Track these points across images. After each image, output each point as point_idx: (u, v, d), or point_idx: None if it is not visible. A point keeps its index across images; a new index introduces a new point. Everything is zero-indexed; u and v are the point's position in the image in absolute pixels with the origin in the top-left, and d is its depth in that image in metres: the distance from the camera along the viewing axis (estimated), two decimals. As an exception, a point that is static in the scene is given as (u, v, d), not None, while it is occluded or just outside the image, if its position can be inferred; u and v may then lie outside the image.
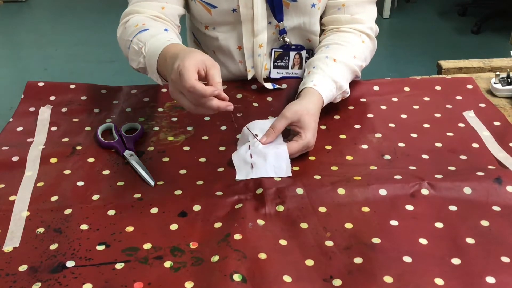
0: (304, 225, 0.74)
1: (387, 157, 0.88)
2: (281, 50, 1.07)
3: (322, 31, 1.09)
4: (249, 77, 1.07)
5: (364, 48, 1.03)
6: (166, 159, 0.89)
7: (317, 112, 0.90)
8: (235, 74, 1.10)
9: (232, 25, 1.03)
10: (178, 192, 0.81)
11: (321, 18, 1.08)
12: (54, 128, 0.97)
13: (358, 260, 0.68)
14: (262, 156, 0.84)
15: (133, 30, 0.91)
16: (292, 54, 1.08)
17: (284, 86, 1.08)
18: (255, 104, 1.03)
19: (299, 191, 0.79)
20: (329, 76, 0.94)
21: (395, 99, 1.05)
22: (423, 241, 0.71)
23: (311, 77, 0.94)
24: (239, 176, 0.83)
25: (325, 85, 0.92)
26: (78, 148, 0.91)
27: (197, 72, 0.73)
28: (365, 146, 0.91)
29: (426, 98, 1.05)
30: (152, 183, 0.83)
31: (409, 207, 0.77)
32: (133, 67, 0.93)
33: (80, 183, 0.83)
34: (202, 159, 0.89)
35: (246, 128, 0.88)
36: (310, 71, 0.96)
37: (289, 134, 0.90)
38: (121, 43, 0.97)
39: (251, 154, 0.84)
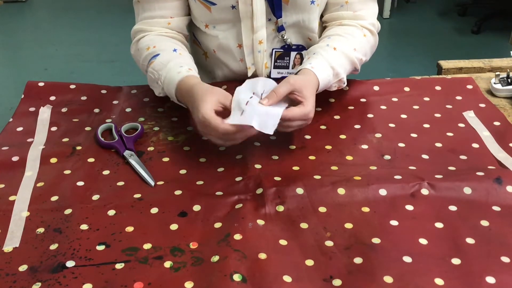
0: (304, 225, 0.74)
1: (387, 157, 0.88)
2: (281, 50, 1.08)
3: (323, 28, 1.09)
4: (249, 74, 1.08)
5: (365, 43, 1.04)
6: (166, 159, 0.89)
7: (314, 89, 0.90)
8: (236, 73, 1.10)
9: (232, 23, 1.03)
10: (178, 192, 0.81)
11: (321, 16, 1.08)
12: (54, 128, 0.97)
13: (358, 260, 0.68)
14: (255, 108, 0.82)
15: (146, 54, 0.99)
16: (293, 54, 1.08)
17: (284, 86, 1.08)
18: (255, 104, 1.03)
19: (299, 191, 0.79)
20: (327, 61, 0.94)
21: (395, 99, 1.05)
22: (423, 241, 0.71)
23: (310, 61, 0.94)
24: (229, 120, 0.81)
25: (322, 68, 0.93)
26: (78, 148, 0.91)
27: (217, 111, 0.82)
28: (365, 146, 0.91)
29: (426, 98, 1.05)
30: (152, 183, 0.83)
31: (409, 207, 0.77)
32: (155, 92, 1.00)
33: (80, 183, 0.83)
34: (202, 159, 0.89)
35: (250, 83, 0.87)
36: (310, 57, 0.97)
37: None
38: (137, 62, 1.04)
39: (247, 102, 0.82)
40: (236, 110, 0.82)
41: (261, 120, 0.81)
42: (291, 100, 0.87)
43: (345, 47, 0.98)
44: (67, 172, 0.85)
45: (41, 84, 1.07)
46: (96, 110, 1.02)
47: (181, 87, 0.90)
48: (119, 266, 0.68)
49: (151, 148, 0.92)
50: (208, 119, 0.81)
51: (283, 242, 0.71)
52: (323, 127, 0.97)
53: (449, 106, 1.03)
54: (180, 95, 0.91)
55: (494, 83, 1.07)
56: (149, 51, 0.98)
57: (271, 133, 0.80)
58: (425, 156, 0.88)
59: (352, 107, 1.03)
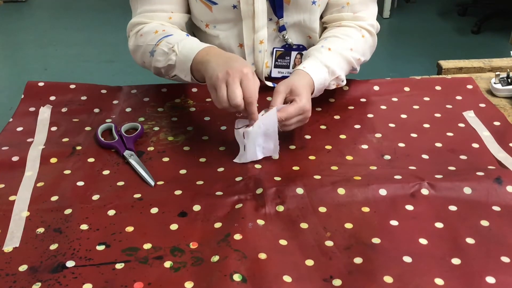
0: (304, 225, 0.74)
1: (387, 157, 0.88)
2: (282, 49, 1.08)
3: (324, 29, 1.10)
4: (250, 73, 1.08)
5: (363, 43, 1.04)
6: (166, 159, 0.89)
7: (307, 85, 0.90)
8: (236, 73, 1.10)
9: (233, 23, 1.03)
10: (178, 192, 0.81)
11: (321, 17, 1.08)
12: (54, 128, 0.97)
13: (358, 260, 0.68)
14: (252, 138, 0.84)
15: (154, 36, 0.96)
16: (294, 54, 1.08)
17: (284, 86, 1.08)
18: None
19: (299, 191, 0.79)
20: (320, 61, 0.94)
21: (395, 99, 1.05)
22: (423, 241, 0.71)
23: (303, 63, 0.95)
24: (236, 159, 0.87)
25: (315, 68, 0.93)
26: (78, 148, 0.91)
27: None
28: (365, 146, 0.91)
29: (426, 98, 1.05)
30: (152, 183, 0.83)
31: (409, 207, 0.77)
32: (157, 66, 0.96)
33: (80, 183, 0.83)
34: (202, 159, 0.89)
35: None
36: (305, 60, 0.97)
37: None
38: (138, 49, 1.00)
39: (244, 133, 0.85)
40: (240, 143, 0.87)
41: (263, 148, 0.85)
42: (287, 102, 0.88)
43: (340, 47, 0.98)
44: (67, 172, 0.85)
45: (41, 84, 1.07)
46: (96, 110, 1.02)
47: (210, 49, 0.88)
48: (119, 266, 0.68)
49: (151, 148, 0.92)
50: (252, 74, 0.81)
51: (283, 242, 0.71)
52: (323, 127, 0.97)
53: (449, 106, 1.03)
54: (204, 54, 0.87)
55: (494, 83, 1.07)
56: (158, 33, 0.96)
57: (277, 156, 0.86)
58: (425, 156, 0.88)
59: (352, 107, 1.03)
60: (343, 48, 0.99)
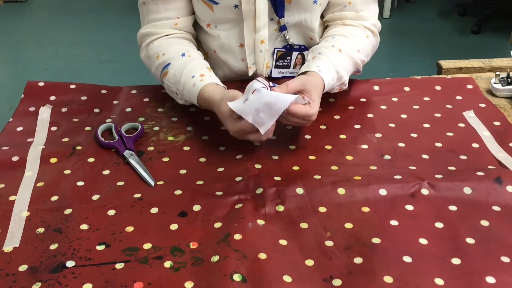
0: (304, 225, 0.74)
1: (387, 157, 0.88)
2: (283, 50, 1.08)
3: (325, 27, 1.10)
4: (250, 73, 1.08)
5: (368, 44, 1.05)
6: (166, 159, 0.89)
7: (321, 93, 0.90)
8: (237, 73, 1.10)
9: (234, 22, 1.03)
10: (178, 192, 0.81)
11: (321, 16, 1.08)
12: (54, 128, 0.97)
13: (358, 260, 0.68)
14: (257, 99, 0.80)
15: (157, 64, 1.00)
16: (295, 54, 1.08)
17: (284, 86, 1.08)
18: (255, 104, 1.03)
19: (299, 191, 0.79)
20: (333, 65, 0.95)
21: (395, 99, 1.05)
22: (423, 241, 0.71)
23: (316, 62, 0.94)
24: (231, 104, 0.83)
25: (328, 72, 0.93)
26: (78, 148, 0.91)
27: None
28: (365, 146, 0.91)
29: (426, 98, 1.05)
30: (152, 183, 0.83)
31: (409, 207, 0.77)
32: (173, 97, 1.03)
33: (80, 183, 0.83)
34: (202, 159, 0.89)
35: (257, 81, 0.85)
36: (315, 57, 0.97)
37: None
38: (149, 69, 1.06)
39: (255, 90, 0.81)
40: (245, 93, 0.83)
41: (259, 116, 0.80)
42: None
43: (349, 49, 0.99)
44: (67, 172, 0.85)
45: (41, 84, 1.07)
46: (96, 110, 1.02)
47: (200, 100, 0.93)
48: (119, 266, 0.68)
49: (151, 148, 0.92)
50: (222, 119, 0.87)
51: (283, 242, 0.71)
52: (323, 127, 0.97)
53: (449, 106, 1.03)
54: (203, 105, 0.94)
55: (494, 83, 1.07)
56: (159, 60, 0.99)
57: (262, 133, 0.82)
58: (425, 156, 0.88)
59: (352, 107, 1.03)
60: (352, 49, 0.99)
